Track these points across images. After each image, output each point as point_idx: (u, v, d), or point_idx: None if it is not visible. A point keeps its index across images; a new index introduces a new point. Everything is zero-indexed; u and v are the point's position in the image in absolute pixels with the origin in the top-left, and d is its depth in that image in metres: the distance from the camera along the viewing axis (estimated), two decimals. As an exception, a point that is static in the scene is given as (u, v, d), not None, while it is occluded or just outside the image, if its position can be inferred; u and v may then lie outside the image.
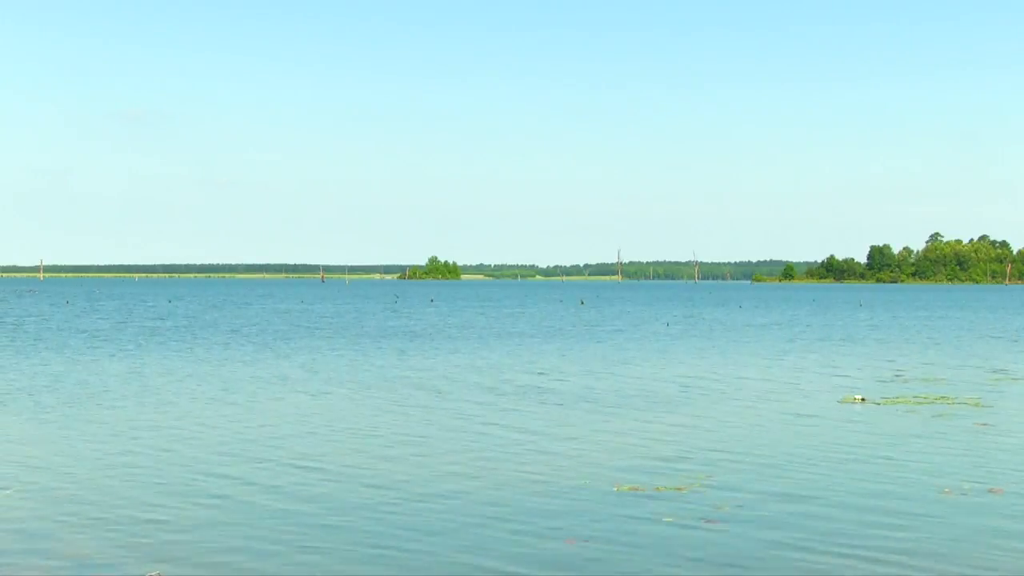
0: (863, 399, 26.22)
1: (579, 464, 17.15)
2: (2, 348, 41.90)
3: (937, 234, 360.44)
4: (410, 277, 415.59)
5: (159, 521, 13.15)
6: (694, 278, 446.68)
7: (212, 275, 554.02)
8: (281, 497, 14.58)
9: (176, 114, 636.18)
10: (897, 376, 33.18)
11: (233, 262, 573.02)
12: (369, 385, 29.28)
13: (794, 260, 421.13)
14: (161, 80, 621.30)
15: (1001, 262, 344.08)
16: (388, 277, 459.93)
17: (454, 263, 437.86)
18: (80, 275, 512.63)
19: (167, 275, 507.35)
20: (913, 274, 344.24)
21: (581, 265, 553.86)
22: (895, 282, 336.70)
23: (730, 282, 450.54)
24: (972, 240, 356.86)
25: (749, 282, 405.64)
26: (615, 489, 15.07)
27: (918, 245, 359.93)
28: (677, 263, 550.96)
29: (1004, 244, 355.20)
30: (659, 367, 35.95)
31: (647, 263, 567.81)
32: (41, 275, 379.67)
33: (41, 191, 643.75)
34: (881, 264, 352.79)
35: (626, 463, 17.23)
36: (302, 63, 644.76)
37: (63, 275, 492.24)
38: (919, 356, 42.16)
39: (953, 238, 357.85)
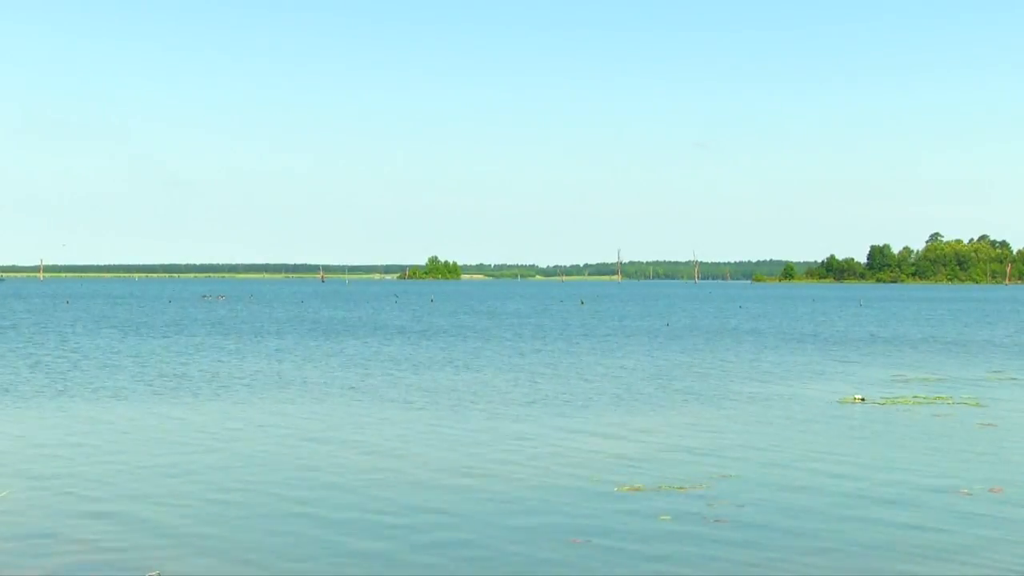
0: (863, 399, 26.28)
1: (581, 464, 17.21)
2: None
3: (937, 234, 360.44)
4: (410, 277, 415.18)
5: (160, 520, 13.24)
6: (694, 278, 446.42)
7: (212, 275, 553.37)
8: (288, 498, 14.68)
9: (177, 114, 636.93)
10: (896, 376, 33.22)
11: (233, 262, 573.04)
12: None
13: (794, 260, 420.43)
14: (161, 81, 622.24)
15: (1001, 262, 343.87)
16: (388, 277, 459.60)
17: (454, 263, 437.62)
18: (80, 275, 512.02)
19: (167, 275, 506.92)
20: (913, 274, 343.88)
21: (581, 265, 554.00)
22: (895, 282, 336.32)
23: (730, 282, 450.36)
24: (972, 240, 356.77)
25: (749, 282, 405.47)
26: (616, 490, 15.14)
27: (918, 245, 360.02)
28: (677, 263, 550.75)
29: (1004, 244, 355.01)
30: (659, 367, 35.98)
31: (647, 263, 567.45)
32: (41, 275, 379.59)
33: (39, 191, 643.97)
34: (881, 264, 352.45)
35: (628, 463, 17.30)
36: (303, 64, 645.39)
37: (63, 275, 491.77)
38: (918, 356, 42.19)
39: (953, 238, 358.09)
